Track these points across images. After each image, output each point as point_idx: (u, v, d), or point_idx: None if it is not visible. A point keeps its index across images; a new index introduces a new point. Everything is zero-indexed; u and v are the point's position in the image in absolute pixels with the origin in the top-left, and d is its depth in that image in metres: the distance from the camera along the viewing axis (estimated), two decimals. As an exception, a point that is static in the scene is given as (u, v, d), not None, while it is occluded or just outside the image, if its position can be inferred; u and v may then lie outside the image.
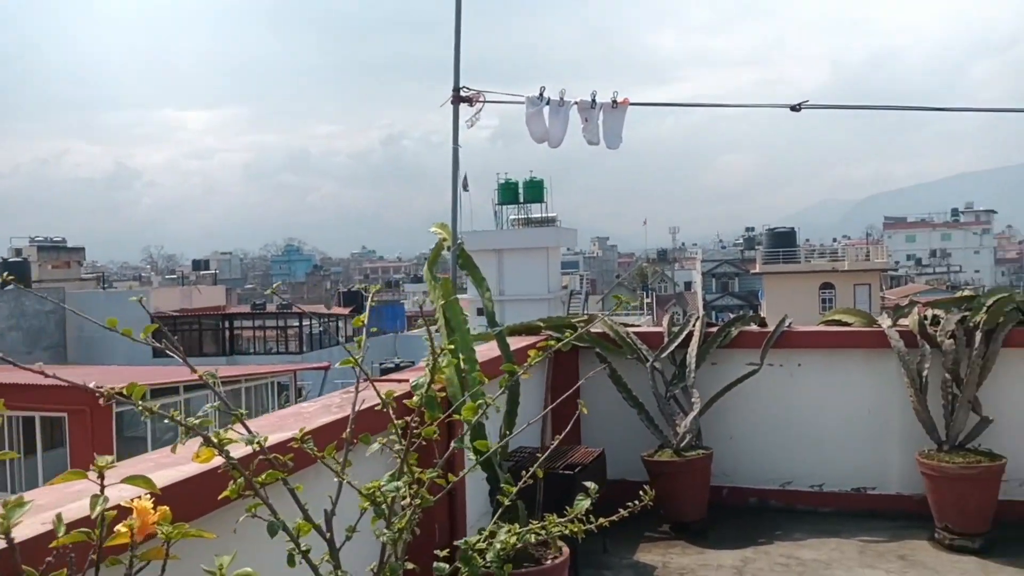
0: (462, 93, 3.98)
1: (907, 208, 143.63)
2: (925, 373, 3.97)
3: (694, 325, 4.53)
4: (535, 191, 40.74)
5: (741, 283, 71.82)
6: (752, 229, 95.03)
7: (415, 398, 1.91)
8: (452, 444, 2.04)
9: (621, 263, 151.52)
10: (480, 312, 3.79)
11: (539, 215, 41.05)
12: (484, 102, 3.99)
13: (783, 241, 43.77)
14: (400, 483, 1.72)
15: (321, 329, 40.03)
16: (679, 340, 4.45)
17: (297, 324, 37.93)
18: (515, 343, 4.07)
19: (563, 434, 2.21)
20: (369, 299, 2.19)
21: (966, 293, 4.30)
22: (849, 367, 4.32)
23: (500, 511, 2.11)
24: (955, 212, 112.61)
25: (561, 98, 4.22)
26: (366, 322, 1.92)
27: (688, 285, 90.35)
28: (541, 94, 4.21)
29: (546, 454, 2.38)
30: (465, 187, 43.24)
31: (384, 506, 1.69)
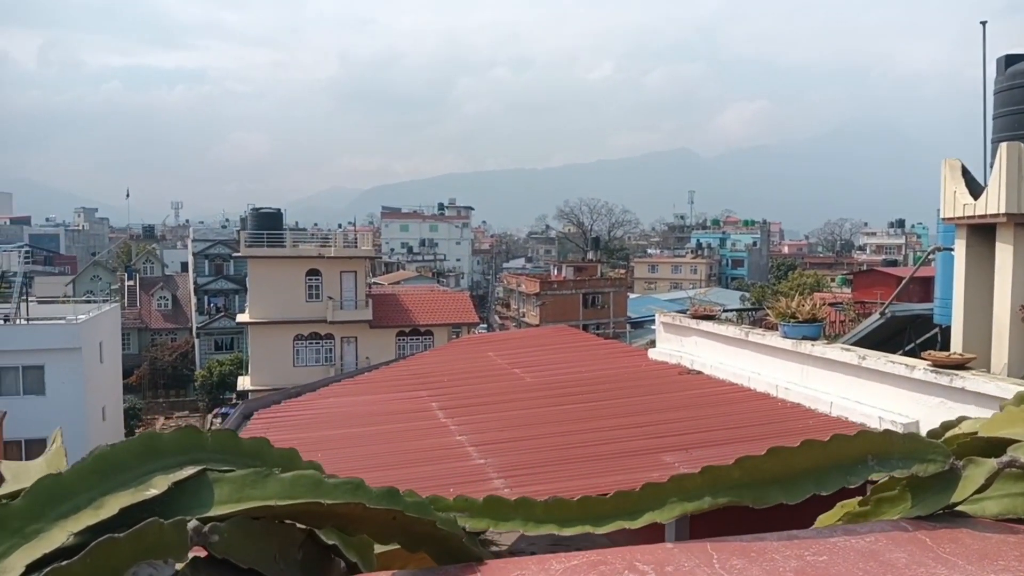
0: None
1: (405, 200, 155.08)
2: None
3: None
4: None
5: (236, 266, 66.96)
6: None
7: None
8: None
9: (114, 239, 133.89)
10: None
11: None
12: None
13: (269, 222, 40.30)
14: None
15: None
16: None
17: None
18: None
19: None
20: None
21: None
22: None
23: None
24: (441, 206, 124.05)
25: None
26: None
27: (185, 266, 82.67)
28: None
29: None
30: None
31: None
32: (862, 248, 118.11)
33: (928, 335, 10.17)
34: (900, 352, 9.17)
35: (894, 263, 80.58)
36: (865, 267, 73.21)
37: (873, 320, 9.81)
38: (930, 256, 10.60)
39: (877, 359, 6.98)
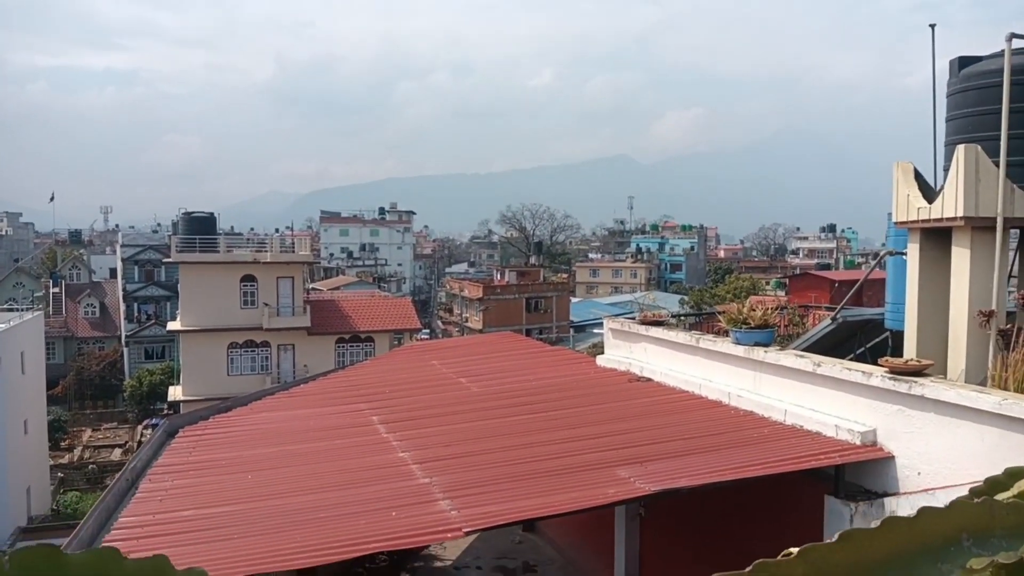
0: None
1: (345, 204, 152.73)
2: None
3: None
4: None
5: (168, 272, 64.72)
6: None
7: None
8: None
9: (39, 244, 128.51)
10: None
11: None
12: None
13: (202, 227, 38.90)
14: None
15: None
16: None
17: None
18: None
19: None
20: None
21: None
22: None
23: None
24: (382, 211, 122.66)
25: None
26: None
27: (114, 272, 79.83)
28: None
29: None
30: None
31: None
32: (795, 252, 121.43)
33: (878, 339, 10.18)
34: (850, 357, 9.11)
35: (827, 266, 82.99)
36: (799, 271, 75.10)
37: (824, 325, 9.71)
38: (882, 260, 10.59)
39: (832, 366, 6.83)
